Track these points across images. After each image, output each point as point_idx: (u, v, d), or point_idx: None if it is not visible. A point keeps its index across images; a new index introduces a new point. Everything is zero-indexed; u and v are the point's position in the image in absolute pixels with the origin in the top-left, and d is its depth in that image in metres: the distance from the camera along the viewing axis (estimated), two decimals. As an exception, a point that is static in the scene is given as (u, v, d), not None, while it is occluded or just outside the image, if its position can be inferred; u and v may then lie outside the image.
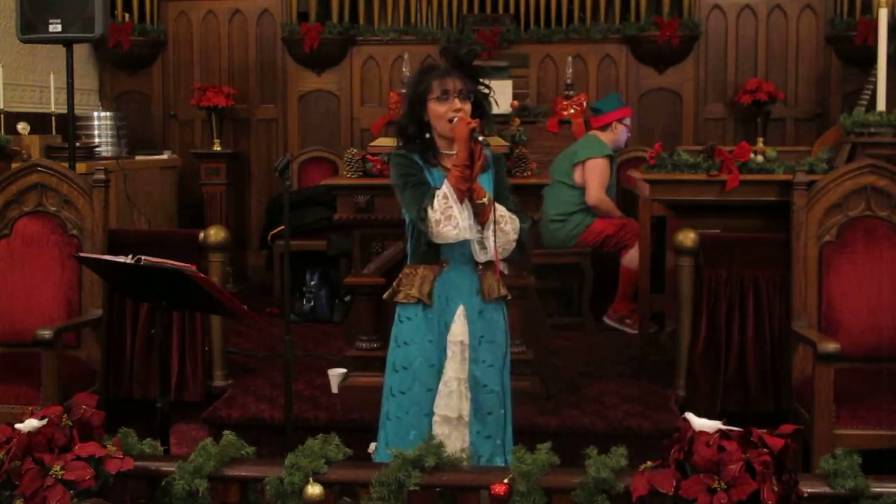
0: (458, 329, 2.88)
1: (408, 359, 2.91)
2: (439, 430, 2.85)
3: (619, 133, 5.76)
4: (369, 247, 3.99)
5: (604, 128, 5.75)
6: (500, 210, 2.81)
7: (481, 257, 2.84)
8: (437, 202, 2.74)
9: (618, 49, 7.02)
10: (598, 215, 5.64)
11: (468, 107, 2.80)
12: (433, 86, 2.81)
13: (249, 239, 7.30)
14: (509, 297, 2.99)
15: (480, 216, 2.78)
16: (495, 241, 2.79)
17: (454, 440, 2.84)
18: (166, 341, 2.98)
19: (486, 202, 2.77)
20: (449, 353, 2.88)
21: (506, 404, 2.98)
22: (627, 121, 5.82)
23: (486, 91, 2.90)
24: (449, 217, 2.74)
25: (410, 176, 2.83)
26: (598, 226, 5.60)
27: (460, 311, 2.88)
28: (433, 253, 2.87)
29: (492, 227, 2.78)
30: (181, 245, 4.19)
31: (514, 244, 2.86)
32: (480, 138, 2.71)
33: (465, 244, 2.83)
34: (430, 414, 2.89)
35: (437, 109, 2.81)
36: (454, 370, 2.88)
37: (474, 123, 2.72)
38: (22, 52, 6.16)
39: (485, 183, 2.86)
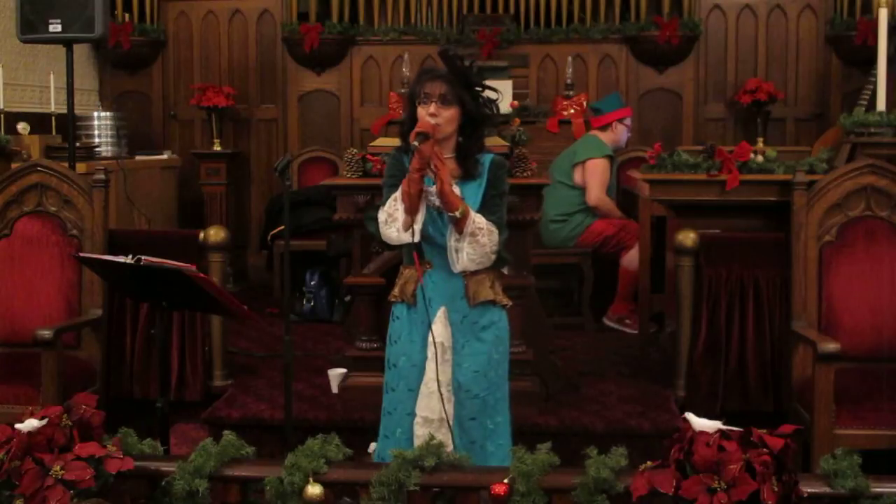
0: (438, 331, 2.88)
1: (396, 356, 2.95)
2: (420, 430, 2.86)
3: (619, 133, 5.76)
4: (369, 247, 3.99)
5: (604, 128, 5.75)
6: (479, 222, 2.78)
7: (456, 267, 2.84)
8: (388, 203, 2.80)
9: (618, 49, 7.02)
10: (599, 216, 5.63)
11: (449, 112, 2.79)
12: (419, 89, 2.83)
13: (249, 239, 7.30)
14: (507, 305, 2.95)
15: (456, 227, 2.77)
16: (445, 256, 2.82)
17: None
18: (166, 341, 2.97)
19: (459, 216, 2.74)
20: (429, 353, 2.88)
21: (497, 410, 2.94)
22: (628, 121, 5.81)
23: (492, 96, 2.89)
24: (394, 219, 2.79)
25: (391, 177, 2.88)
26: (598, 226, 5.60)
27: (441, 312, 2.88)
28: (419, 253, 2.88)
29: (466, 238, 2.77)
30: (181, 245, 4.19)
31: (491, 256, 2.83)
32: (415, 143, 2.69)
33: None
34: (413, 414, 2.90)
35: (419, 112, 2.81)
36: (433, 371, 2.88)
37: (422, 129, 2.71)
38: (22, 52, 6.16)
39: (473, 188, 2.85)
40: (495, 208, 2.86)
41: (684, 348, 4.10)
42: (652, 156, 4.34)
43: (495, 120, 2.99)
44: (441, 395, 2.85)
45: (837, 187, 3.69)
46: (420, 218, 2.78)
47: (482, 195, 2.85)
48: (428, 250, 2.88)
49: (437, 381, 2.86)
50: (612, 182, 5.73)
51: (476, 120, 2.85)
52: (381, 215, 2.83)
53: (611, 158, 5.69)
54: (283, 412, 3.34)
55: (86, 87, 7.11)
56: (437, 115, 2.78)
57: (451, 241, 2.80)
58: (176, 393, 4.10)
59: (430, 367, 2.88)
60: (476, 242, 2.78)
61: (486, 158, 2.90)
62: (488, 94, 2.89)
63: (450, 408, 2.88)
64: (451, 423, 2.88)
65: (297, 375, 4.29)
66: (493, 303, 2.90)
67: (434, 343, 2.87)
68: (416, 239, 2.80)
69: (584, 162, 5.62)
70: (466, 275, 2.87)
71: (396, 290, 2.94)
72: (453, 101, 2.80)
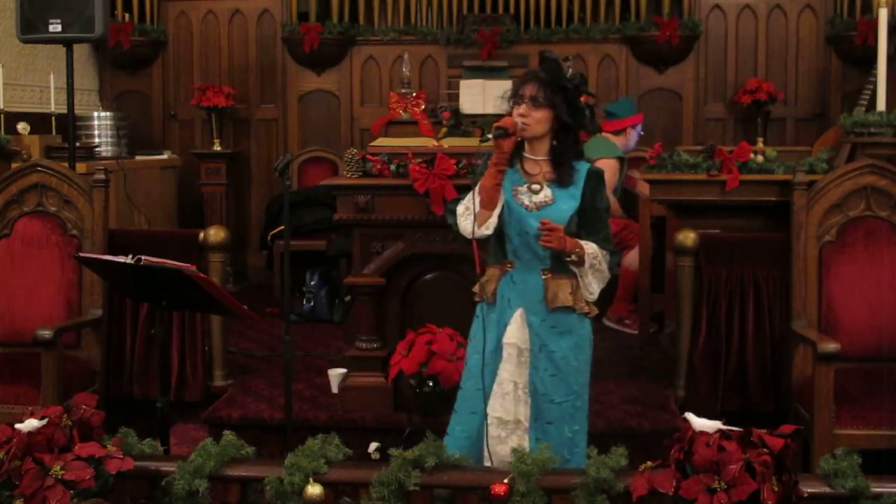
0: (514, 332, 2.86)
1: (469, 355, 2.94)
2: (494, 431, 2.84)
3: (630, 138, 5.76)
4: (369, 247, 3.98)
5: (617, 132, 5.74)
6: (593, 252, 2.80)
7: (590, 297, 2.87)
8: (468, 196, 2.84)
9: (618, 49, 7.02)
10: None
11: (539, 114, 2.79)
12: (515, 89, 2.85)
13: (249, 239, 7.30)
14: (590, 314, 2.90)
15: (575, 262, 2.81)
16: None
17: (511, 444, 2.82)
18: (166, 341, 2.97)
19: (575, 258, 2.79)
20: (504, 354, 2.87)
21: (576, 419, 2.89)
22: (640, 127, 5.81)
23: (585, 100, 2.88)
24: (471, 212, 2.81)
25: (478, 176, 2.89)
26: (599, 226, 5.58)
27: (518, 314, 2.87)
28: (501, 253, 2.89)
29: (588, 272, 2.82)
30: (181, 245, 4.19)
31: (609, 275, 2.88)
32: (489, 136, 2.75)
33: (534, 248, 2.81)
34: (477, 413, 2.87)
35: (513, 112, 2.83)
36: (509, 372, 2.86)
37: (503, 124, 2.75)
38: (22, 52, 6.16)
39: (567, 195, 2.84)
40: (599, 226, 2.87)
41: (684, 348, 4.10)
42: (652, 156, 4.35)
43: (590, 126, 2.98)
44: (517, 396, 2.85)
45: (837, 187, 3.70)
46: (496, 213, 2.80)
47: (578, 208, 2.84)
48: (511, 250, 2.87)
49: (514, 382, 2.85)
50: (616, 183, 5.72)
51: (569, 124, 2.84)
52: (460, 207, 2.86)
53: (621, 160, 5.67)
54: (283, 412, 3.34)
55: (86, 87, 7.11)
56: (526, 116, 2.79)
57: (575, 269, 2.83)
58: (176, 393, 4.10)
59: (504, 367, 2.87)
60: (594, 270, 2.83)
61: (583, 167, 2.89)
62: (585, 100, 2.88)
63: (526, 410, 2.86)
64: (527, 425, 2.86)
65: (297, 375, 4.30)
66: (572, 309, 2.86)
67: (507, 344, 2.86)
68: (490, 232, 2.82)
69: (593, 161, 5.59)
70: (547, 278, 2.84)
71: (477, 288, 2.93)
72: (545, 103, 2.79)
